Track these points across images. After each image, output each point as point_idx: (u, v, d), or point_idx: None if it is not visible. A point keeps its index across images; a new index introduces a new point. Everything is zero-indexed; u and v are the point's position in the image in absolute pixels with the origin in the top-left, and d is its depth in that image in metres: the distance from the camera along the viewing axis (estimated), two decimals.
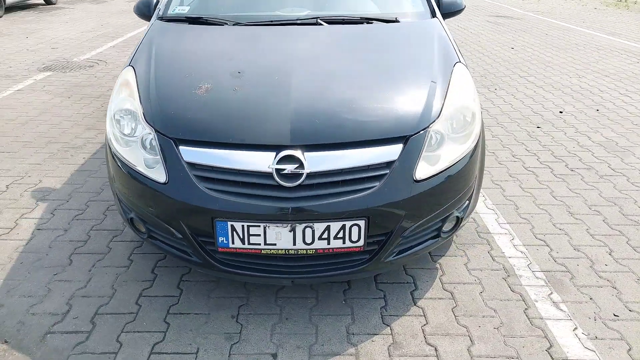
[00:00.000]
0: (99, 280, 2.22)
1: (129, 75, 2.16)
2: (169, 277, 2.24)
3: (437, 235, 1.97)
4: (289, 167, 1.68)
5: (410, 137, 1.81)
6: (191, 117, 1.86)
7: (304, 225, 1.71)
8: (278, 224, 1.71)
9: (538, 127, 4.15)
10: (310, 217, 1.71)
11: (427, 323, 1.96)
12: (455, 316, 1.99)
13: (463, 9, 2.86)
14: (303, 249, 1.77)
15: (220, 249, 1.79)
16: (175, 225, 1.81)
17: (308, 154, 1.72)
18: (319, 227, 1.72)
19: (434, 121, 1.87)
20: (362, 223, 1.73)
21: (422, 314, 2.01)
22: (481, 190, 2.62)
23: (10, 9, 10.95)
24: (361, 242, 1.77)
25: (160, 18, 2.64)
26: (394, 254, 1.87)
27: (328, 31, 2.43)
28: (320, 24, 2.45)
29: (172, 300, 2.09)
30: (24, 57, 6.64)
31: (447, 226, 1.98)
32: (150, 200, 1.84)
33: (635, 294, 2.12)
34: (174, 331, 1.92)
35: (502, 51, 7.32)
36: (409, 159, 1.78)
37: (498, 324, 1.96)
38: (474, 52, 7.30)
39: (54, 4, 12.23)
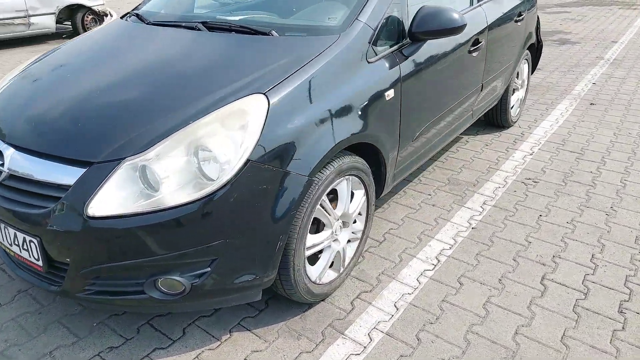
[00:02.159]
0: None
1: None
2: None
3: (143, 293, 1.65)
4: None
5: (94, 164, 1.57)
6: None
7: (2, 224, 1.73)
8: None
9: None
10: (3, 217, 1.69)
11: None
12: None
13: (459, 28, 2.14)
14: (9, 249, 1.78)
15: None
16: None
17: (15, 154, 1.69)
18: (11, 231, 1.71)
19: (139, 153, 1.55)
20: (36, 241, 1.63)
21: None
22: None
23: None
24: (40, 262, 1.66)
25: (127, 14, 2.65)
26: (88, 292, 1.66)
27: (191, 38, 2.16)
28: (199, 29, 2.20)
29: None
30: None
31: (162, 288, 1.66)
32: None
33: None
34: None
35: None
36: (85, 189, 1.54)
37: None
38: None
39: None
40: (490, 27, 2.98)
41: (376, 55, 2.07)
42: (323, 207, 1.92)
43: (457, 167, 3.37)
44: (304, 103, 1.75)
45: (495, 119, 3.95)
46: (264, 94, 1.69)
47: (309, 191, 1.77)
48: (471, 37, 2.75)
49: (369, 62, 2.03)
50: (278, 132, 1.65)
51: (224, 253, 1.64)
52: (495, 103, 3.64)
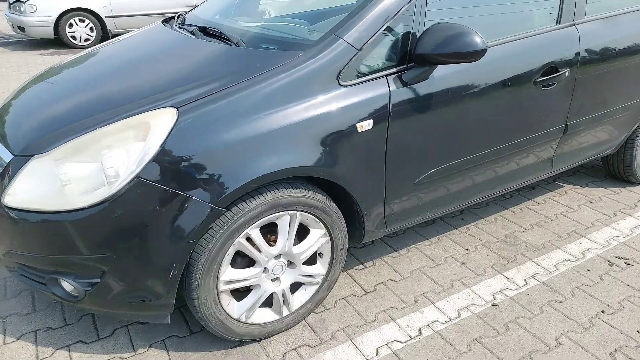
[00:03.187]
0: None
1: None
2: None
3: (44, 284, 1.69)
4: None
5: (15, 156, 1.61)
6: None
7: None
8: None
9: None
10: None
11: None
12: None
13: (476, 52, 1.72)
14: None
15: None
16: None
17: None
18: None
19: (44, 152, 1.54)
20: None
21: None
22: None
23: None
24: None
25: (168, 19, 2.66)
26: (17, 273, 1.74)
27: (174, 43, 2.11)
28: (195, 35, 2.13)
29: None
30: None
31: (64, 287, 1.67)
32: None
33: None
34: None
35: None
36: (6, 178, 1.59)
37: None
38: None
39: None
40: (587, 54, 2.29)
41: (357, 78, 1.75)
42: (251, 241, 1.70)
43: (528, 223, 2.71)
44: (230, 123, 1.55)
45: (617, 171, 3.08)
46: (177, 108, 1.55)
47: (221, 222, 1.58)
48: (542, 65, 2.14)
49: (341, 85, 1.71)
50: (184, 152, 1.50)
51: (113, 267, 1.56)
52: (609, 151, 2.82)
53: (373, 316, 2.04)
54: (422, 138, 1.91)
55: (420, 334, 1.94)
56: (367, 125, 1.74)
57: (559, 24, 2.25)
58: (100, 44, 2.53)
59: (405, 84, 1.81)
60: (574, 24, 2.29)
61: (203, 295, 1.65)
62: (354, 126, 1.72)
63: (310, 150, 1.66)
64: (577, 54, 2.26)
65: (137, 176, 1.47)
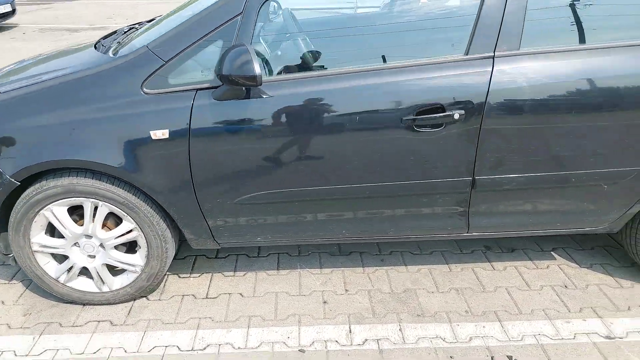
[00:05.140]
0: None
1: None
2: None
3: None
4: None
5: None
6: None
7: None
8: None
9: None
10: None
11: None
12: None
13: (250, 78, 1.67)
14: None
15: None
16: None
17: None
18: None
19: None
20: None
21: None
22: None
23: None
24: None
25: None
26: None
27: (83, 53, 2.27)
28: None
29: None
30: None
31: None
32: None
33: None
34: None
35: None
36: None
37: None
38: None
39: None
40: (503, 98, 1.79)
41: (164, 88, 1.82)
42: (57, 217, 1.98)
43: (451, 286, 2.27)
44: (33, 110, 1.86)
45: (633, 258, 2.28)
46: None
47: (25, 194, 1.91)
48: (416, 103, 1.79)
49: (145, 93, 1.82)
50: None
51: None
52: (603, 228, 2.11)
53: (185, 319, 2.10)
54: (237, 159, 1.87)
55: (204, 349, 1.94)
56: (161, 134, 1.82)
57: (467, 55, 1.83)
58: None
59: (214, 100, 1.81)
60: (492, 57, 1.82)
61: (16, 249, 2.02)
62: (148, 133, 1.82)
63: (106, 148, 1.84)
64: (485, 95, 1.81)
65: None
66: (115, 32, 2.58)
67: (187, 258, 2.53)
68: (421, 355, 1.90)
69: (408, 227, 2.10)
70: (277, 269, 2.42)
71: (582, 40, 1.86)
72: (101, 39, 2.46)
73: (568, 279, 2.31)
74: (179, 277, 2.38)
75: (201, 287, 2.31)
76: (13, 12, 10.24)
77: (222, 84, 1.80)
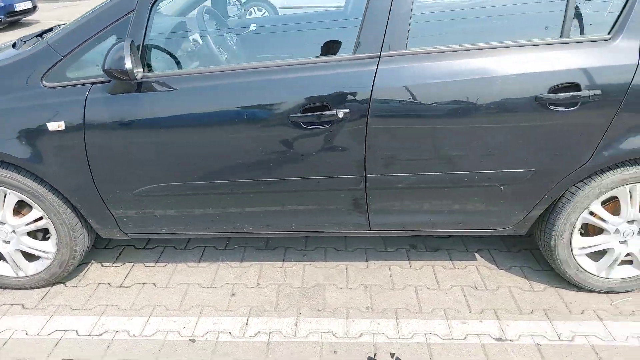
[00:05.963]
0: None
1: None
2: None
3: None
4: None
5: None
6: None
7: None
8: None
9: None
10: None
11: None
12: None
13: (124, 71, 1.75)
14: None
15: None
16: None
17: None
18: None
19: None
20: None
21: None
22: None
23: None
24: None
25: None
26: None
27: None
28: None
29: None
30: None
31: None
32: None
33: None
34: None
35: None
36: None
37: None
38: None
39: None
40: (387, 97, 1.80)
41: (62, 81, 1.90)
42: None
43: (362, 282, 2.28)
44: None
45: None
46: None
47: None
48: (302, 100, 1.82)
49: (44, 86, 1.90)
50: None
51: None
52: (510, 230, 2.10)
53: (93, 306, 2.18)
54: (130, 151, 1.93)
55: (101, 335, 2.01)
56: (57, 126, 1.90)
57: (354, 54, 1.85)
58: None
59: (107, 94, 1.88)
60: (378, 57, 1.83)
61: None
62: (45, 125, 1.90)
63: (9, 139, 1.93)
64: (369, 94, 1.82)
65: None
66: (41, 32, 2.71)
67: (115, 248, 2.61)
68: (305, 348, 1.93)
69: (309, 223, 2.12)
70: (199, 261, 2.49)
71: (470, 40, 1.85)
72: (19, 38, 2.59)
73: (481, 280, 2.29)
74: (102, 265, 2.47)
75: (119, 276, 2.39)
76: (34, 8, 10.54)
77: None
